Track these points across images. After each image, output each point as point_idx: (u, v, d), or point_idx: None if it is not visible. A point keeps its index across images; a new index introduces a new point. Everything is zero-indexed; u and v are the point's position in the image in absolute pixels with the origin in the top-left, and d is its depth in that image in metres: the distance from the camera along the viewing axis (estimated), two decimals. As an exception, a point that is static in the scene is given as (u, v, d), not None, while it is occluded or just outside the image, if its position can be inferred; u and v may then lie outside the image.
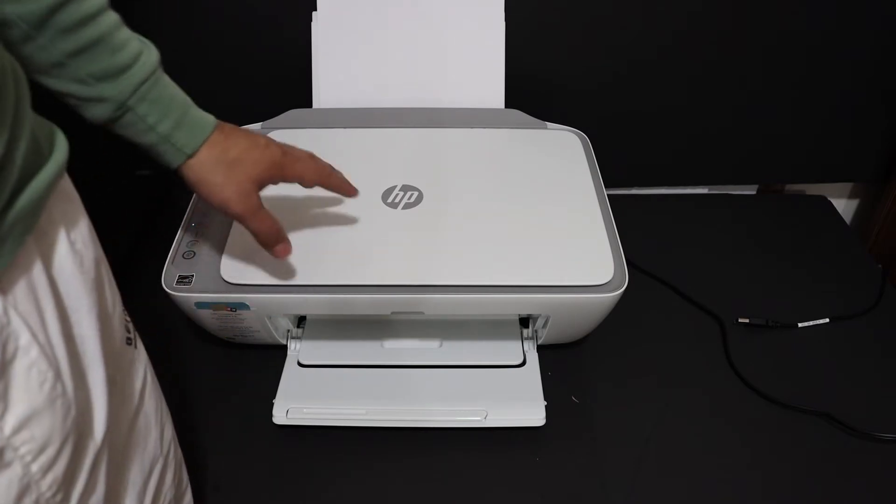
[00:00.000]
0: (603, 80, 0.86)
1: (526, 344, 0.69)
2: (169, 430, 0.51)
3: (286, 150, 0.56)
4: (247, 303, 0.60)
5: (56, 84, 0.47)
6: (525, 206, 0.66)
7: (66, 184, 0.41)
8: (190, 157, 0.51)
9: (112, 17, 0.47)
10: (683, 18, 0.81)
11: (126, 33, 0.48)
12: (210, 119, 0.52)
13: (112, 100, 0.47)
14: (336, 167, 0.71)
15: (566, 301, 0.60)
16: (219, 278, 0.60)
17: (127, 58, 0.47)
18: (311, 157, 0.59)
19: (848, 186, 1.02)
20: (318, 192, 0.67)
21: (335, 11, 0.76)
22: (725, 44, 0.83)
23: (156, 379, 0.51)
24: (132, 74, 0.47)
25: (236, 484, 0.61)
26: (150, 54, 0.49)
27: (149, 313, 0.74)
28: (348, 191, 0.61)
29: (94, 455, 0.38)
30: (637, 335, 0.74)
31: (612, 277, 0.60)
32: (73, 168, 0.88)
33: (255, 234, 0.55)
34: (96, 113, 0.48)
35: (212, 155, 0.51)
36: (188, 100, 0.51)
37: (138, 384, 0.47)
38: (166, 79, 0.50)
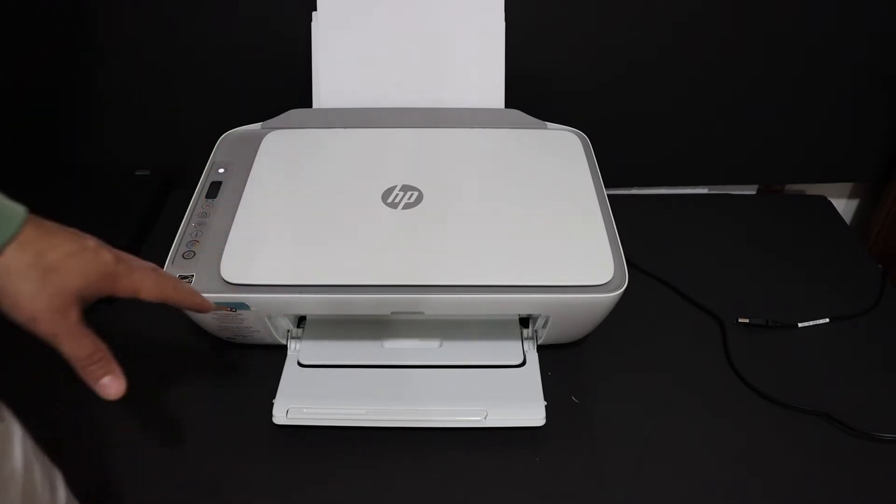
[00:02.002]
0: (603, 80, 0.86)
1: (526, 344, 0.69)
2: (62, 491, 0.46)
3: (121, 257, 0.46)
4: (247, 303, 0.60)
5: None
6: (525, 206, 0.66)
7: None
8: None
9: None
10: (683, 18, 0.81)
11: None
12: (19, 210, 0.42)
13: None
14: (336, 167, 0.71)
15: (566, 301, 0.60)
16: (219, 278, 0.60)
17: None
18: (154, 268, 0.49)
19: (848, 186, 1.02)
20: (318, 192, 0.68)
21: (335, 11, 0.76)
22: (725, 44, 0.83)
23: (34, 445, 0.44)
24: None
25: (236, 484, 0.61)
26: None
27: (149, 313, 0.75)
28: (201, 305, 0.52)
29: None
30: (637, 335, 0.74)
31: (612, 277, 0.60)
32: (74, 168, 0.88)
33: (73, 361, 0.44)
34: None
35: (22, 258, 0.40)
36: None
37: (15, 464, 0.40)
38: None
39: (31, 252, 0.41)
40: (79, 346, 0.43)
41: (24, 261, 0.41)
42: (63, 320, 0.42)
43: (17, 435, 0.43)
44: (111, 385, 0.46)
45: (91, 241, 0.45)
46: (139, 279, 0.46)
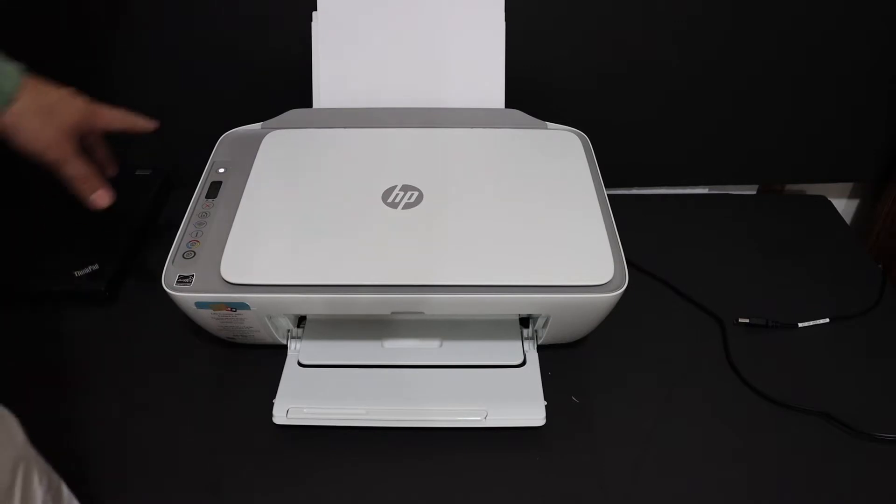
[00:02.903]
0: (603, 80, 0.86)
1: (526, 344, 0.69)
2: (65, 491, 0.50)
3: (92, 100, 0.60)
4: (247, 303, 0.60)
5: None
6: (525, 206, 0.66)
7: None
8: (8, 104, 0.53)
9: None
10: (683, 19, 0.81)
11: None
12: (14, 68, 0.55)
13: None
14: (336, 167, 0.71)
15: (566, 301, 0.60)
16: (219, 278, 0.60)
17: None
18: (116, 108, 0.62)
19: (848, 186, 1.02)
20: (318, 192, 0.68)
21: (335, 11, 0.76)
22: (725, 44, 0.83)
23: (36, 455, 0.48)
24: None
25: (236, 484, 0.61)
26: None
27: (149, 313, 0.75)
28: (144, 125, 0.65)
29: None
30: (637, 335, 0.74)
31: (612, 277, 0.60)
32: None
33: (72, 181, 0.58)
34: None
35: (29, 102, 0.54)
36: None
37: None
38: None
39: (34, 98, 0.55)
40: (77, 168, 0.58)
41: (31, 105, 0.54)
42: (65, 149, 0.57)
43: (15, 431, 0.45)
44: (101, 196, 0.60)
45: (71, 90, 0.58)
46: (108, 116, 0.61)
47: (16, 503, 0.42)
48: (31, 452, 0.47)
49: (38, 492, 0.46)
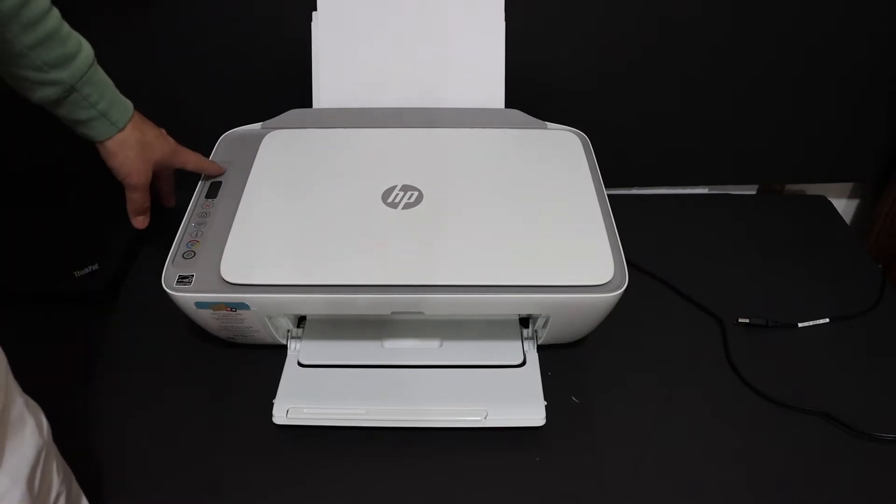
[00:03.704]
0: (603, 80, 0.86)
1: (526, 344, 0.69)
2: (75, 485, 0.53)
3: (177, 144, 0.70)
4: (247, 303, 0.60)
5: (16, 71, 0.56)
6: (525, 206, 0.66)
7: None
8: (119, 131, 0.63)
9: (57, 13, 0.57)
10: (683, 19, 0.81)
11: (68, 27, 0.58)
12: (129, 103, 0.65)
13: (62, 83, 0.58)
14: (336, 167, 0.71)
15: (566, 301, 0.60)
16: (219, 278, 0.60)
17: (73, 48, 0.58)
18: (193, 153, 0.72)
19: (848, 186, 1.02)
20: (318, 192, 0.68)
21: (335, 11, 0.76)
22: (725, 44, 0.83)
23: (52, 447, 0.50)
24: (79, 61, 0.58)
25: (236, 484, 0.61)
26: (88, 45, 0.60)
27: (149, 313, 0.75)
28: (217, 170, 0.72)
29: None
30: (637, 335, 0.74)
31: (612, 277, 0.60)
32: (75, 168, 0.88)
33: (133, 203, 0.68)
34: (46, 94, 0.58)
35: (134, 134, 0.64)
36: (113, 84, 0.63)
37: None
38: (99, 67, 0.61)
39: (138, 131, 0.65)
40: (142, 196, 0.68)
41: (134, 137, 0.65)
42: (145, 178, 0.67)
43: (35, 420, 0.47)
44: (142, 222, 0.71)
45: (163, 132, 0.69)
46: (184, 159, 0.71)
47: (35, 487, 0.45)
48: (52, 444, 0.49)
49: (56, 481, 0.48)
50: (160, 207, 0.89)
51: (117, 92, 0.63)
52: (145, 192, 0.68)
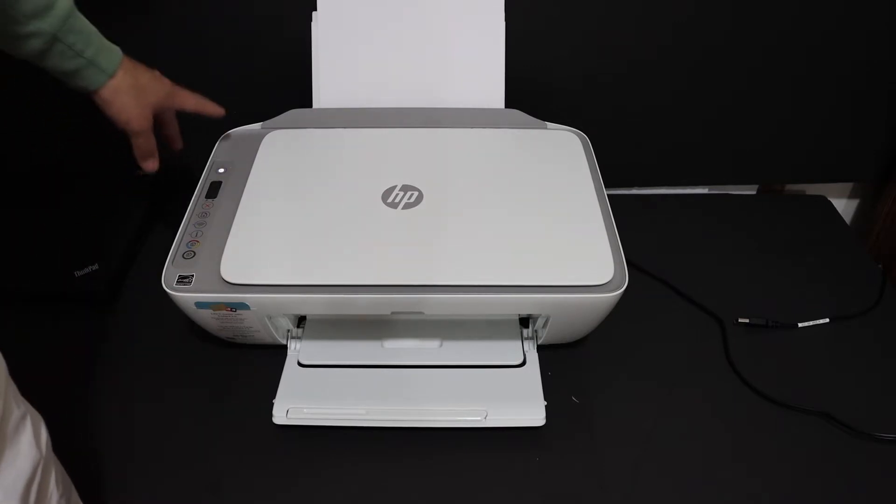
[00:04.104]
0: (603, 80, 0.86)
1: (526, 344, 0.69)
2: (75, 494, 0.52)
3: (174, 84, 0.69)
4: (247, 303, 0.60)
5: None
6: (525, 206, 0.66)
7: None
8: (111, 77, 0.62)
9: None
10: (683, 19, 0.81)
11: None
12: (117, 48, 0.63)
13: (44, 33, 0.56)
14: (336, 167, 0.71)
15: (566, 301, 0.60)
16: (219, 278, 0.60)
17: None
18: (192, 92, 0.71)
19: (848, 186, 1.02)
20: (318, 192, 0.68)
21: (335, 11, 0.76)
22: (725, 44, 0.83)
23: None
24: (58, 9, 0.56)
25: (236, 484, 0.61)
26: None
27: (149, 313, 0.75)
28: (215, 110, 0.72)
29: None
30: (637, 335, 0.74)
31: (612, 277, 0.60)
32: (75, 168, 0.88)
33: (139, 148, 0.67)
34: (31, 47, 0.57)
35: (126, 79, 0.63)
36: (97, 31, 0.61)
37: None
38: (80, 14, 0.59)
39: (130, 76, 0.64)
40: (147, 140, 0.67)
41: (127, 82, 0.63)
42: (146, 122, 0.66)
43: (33, 431, 0.46)
44: (152, 164, 0.69)
45: (157, 73, 0.68)
46: (182, 99, 0.70)
47: (31, 502, 0.44)
48: (52, 455, 0.48)
49: (54, 495, 0.47)
50: (159, 208, 0.89)
51: (103, 38, 0.62)
52: (149, 136, 0.67)
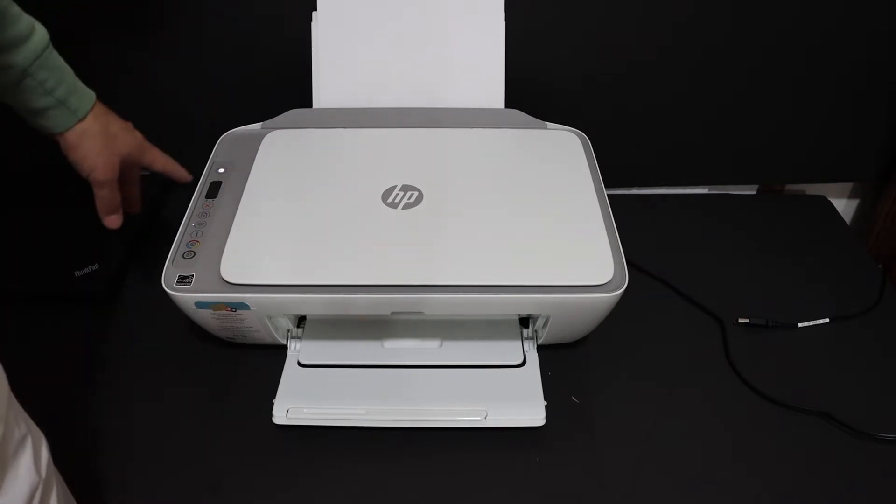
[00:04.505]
0: (603, 80, 0.86)
1: (526, 344, 0.69)
2: None
3: (144, 140, 0.67)
4: (247, 303, 0.60)
5: None
6: (525, 206, 0.66)
7: None
8: (80, 120, 0.59)
9: None
10: (683, 19, 0.81)
11: (17, 8, 0.54)
12: (90, 91, 0.61)
13: (16, 67, 0.54)
14: (336, 167, 0.71)
15: (566, 301, 0.60)
16: (219, 278, 0.60)
17: (24, 29, 0.54)
18: (162, 153, 0.70)
19: (848, 186, 1.02)
20: (318, 192, 0.68)
21: (335, 11, 0.76)
22: (725, 44, 0.83)
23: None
24: (32, 43, 0.54)
25: (236, 484, 0.61)
26: (41, 28, 0.56)
27: (149, 313, 0.75)
28: (182, 176, 0.72)
29: None
30: (637, 335, 0.74)
31: (612, 277, 0.60)
32: (75, 168, 0.87)
33: (101, 200, 0.65)
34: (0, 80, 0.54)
35: (96, 125, 0.61)
36: (72, 71, 0.59)
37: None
38: (55, 51, 0.57)
39: (101, 122, 0.61)
40: (111, 193, 0.65)
41: (96, 128, 0.60)
42: (111, 173, 0.63)
43: (33, 453, 0.44)
44: (114, 221, 0.67)
45: (130, 125, 0.65)
46: (152, 156, 0.68)
47: None
48: (52, 474, 0.47)
49: None
50: (159, 208, 0.89)
51: (77, 80, 0.60)
52: (114, 188, 0.65)
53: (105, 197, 0.65)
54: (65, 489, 0.50)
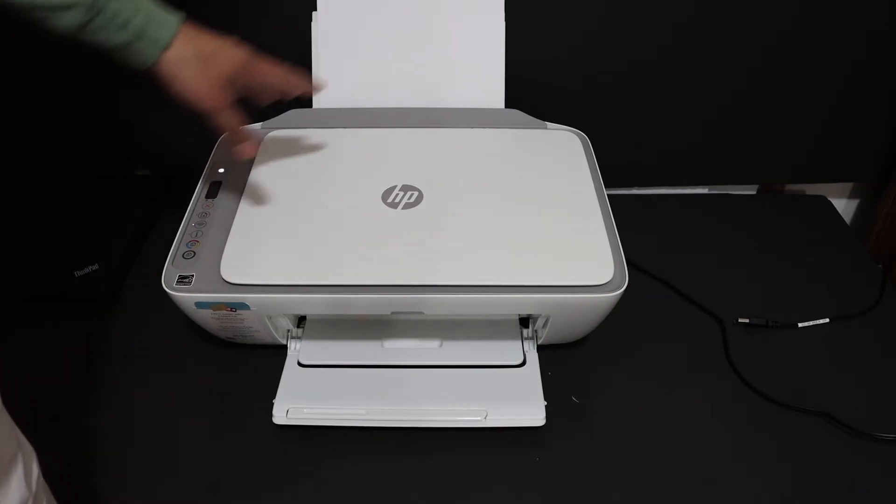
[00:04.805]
0: (603, 80, 0.86)
1: (526, 344, 0.69)
2: None
3: (255, 52, 0.59)
4: (247, 303, 0.60)
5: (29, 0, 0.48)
6: (525, 206, 0.66)
7: None
8: (165, 50, 0.53)
9: None
10: (683, 19, 0.81)
11: None
12: (173, 17, 0.55)
13: (81, 3, 0.48)
14: (336, 167, 0.71)
15: (566, 301, 0.60)
16: (219, 278, 0.60)
17: None
18: (280, 64, 0.61)
19: (848, 186, 1.02)
20: (318, 192, 0.68)
21: (335, 11, 0.76)
22: (725, 44, 0.83)
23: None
24: None
25: (236, 484, 0.61)
26: None
27: (149, 313, 0.75)
28: (302, 86, 0.64)
29: None
30: (637, 335, 0.74)
31: (612, 277, 0.60)
32: (74, 168, 0.88)
33: (221, 130, 0.59)
34: (67, 21, 0.49)
35: (187, 49, 0.54)
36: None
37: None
38: None
39: (191, 46, 0.54)
40: (228, 120, 0.57)
41: (188, 53, 0.54)
42: (218, 99, 0.56)
43: (24, 468, 0.44)
44: (247, 150, 0.61)
45: (232, 39, 0.58)
46: (265, 69, 0.60)
47: None
48: (42, 490, 0.46)
49: None
50: (159, 208, 0.89)
51: (155, 6, 0.53)
52: (229, 116, 0.58)
53: (223, 125, 0.58)
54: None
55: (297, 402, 0.64)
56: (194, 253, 0.63)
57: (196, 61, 0.55)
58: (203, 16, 0.79)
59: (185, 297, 0.60)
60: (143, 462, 0.62)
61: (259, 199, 0.67)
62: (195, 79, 0.55)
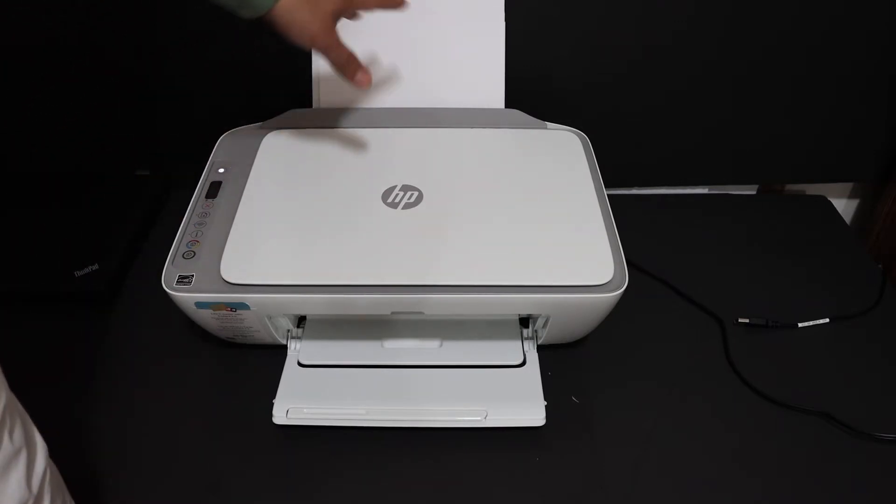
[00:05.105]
0: (603, 80, 0.86)
1: (526, 344, 0.69)
2: None
3: None
4: (247, 303, 0.60)
5: None
6: (525, 206, 0.66)
7: None
8: (277, 1, 0.57)
9: None
10: (683, 19, 0.81)
11: None
12: None
13: None
14: (336, 167, 0.71)
15: (566, 301, 0.60)
16: (219, 278, 0.60)
17: None
18: None
19: (848, 186, 1.02)
20: (318, 192, 0.68)
21: (335, 11, 0.76)
22: (725, 44, 0.83)
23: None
24: None
25: (236, 484, 0.61)
26: None
27: (149, 313, 0.75)
28: (398, 3, 0.67)
29: None
30: (637, 335, 0.74)
31: (612, 277, 0.60)
32: (74, 168, 0.88)
33: (335, 65, 0.62)
34: None
35: None
36: None
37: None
38: None
39: None
40: (340, 53, 0.61)
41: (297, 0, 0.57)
42: (330, 36, 0.60)
43: (26, 467, 0.43)
44: (363, 78, 0.63)
45: None
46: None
47: None
48: (46, 490, 0.45)
49: None
50: (159, 208, 0.89)
51: None
52: (340, 48, 0.61)
53: (336, 59, 0.62)
54: (64, 494, 0.49)
55: (297, 402, 0.64)
56: (194, 253, 0.63)
57: (306, 4, 0.58)
58: (203, 15, 0.80)
59: (185, 297, 0.60)
60: (143, 462, 0.63)
61: (259, 199, 0.67)
62: (309, 22, 0.58)
